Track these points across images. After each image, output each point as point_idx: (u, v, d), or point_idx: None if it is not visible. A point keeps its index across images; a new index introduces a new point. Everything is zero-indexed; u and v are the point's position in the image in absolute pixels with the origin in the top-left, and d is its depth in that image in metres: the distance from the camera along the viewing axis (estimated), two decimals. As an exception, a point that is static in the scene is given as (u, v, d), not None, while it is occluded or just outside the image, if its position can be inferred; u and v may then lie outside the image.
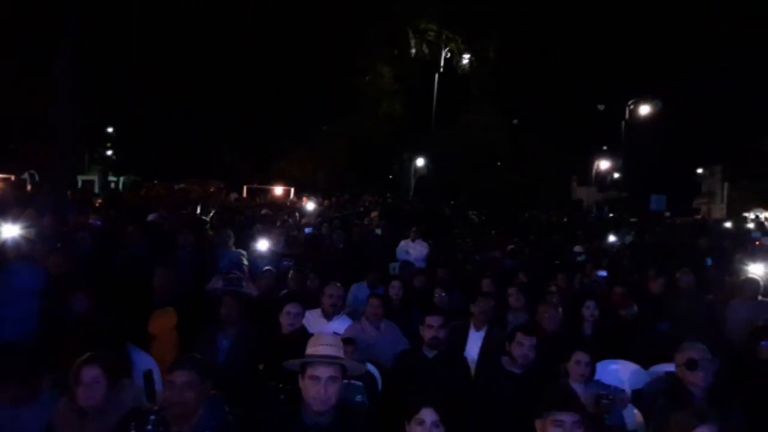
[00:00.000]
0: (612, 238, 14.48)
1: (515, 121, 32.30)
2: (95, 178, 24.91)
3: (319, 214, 15.16)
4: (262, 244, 8.63)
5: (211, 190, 21.38)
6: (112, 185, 24.25)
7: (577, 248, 11.88)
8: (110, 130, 37.53)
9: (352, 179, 29.72)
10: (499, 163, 30.13)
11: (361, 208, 18.17)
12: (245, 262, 8.01)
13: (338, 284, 5.88)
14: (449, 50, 26.25)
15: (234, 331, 4.95)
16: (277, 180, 26.36)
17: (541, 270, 9.76)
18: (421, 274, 7.57)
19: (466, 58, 26.26)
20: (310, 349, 3.09)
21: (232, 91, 28.83)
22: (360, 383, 4.30)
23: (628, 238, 15.31)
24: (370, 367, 4.72)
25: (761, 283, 6.98)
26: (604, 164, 45.29)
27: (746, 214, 29.69)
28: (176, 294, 6.00)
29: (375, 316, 5.32)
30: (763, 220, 25.16)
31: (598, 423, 3.52)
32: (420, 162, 31.67)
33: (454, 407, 3.78)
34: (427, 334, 4.40)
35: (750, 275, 7.10)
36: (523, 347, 4.08)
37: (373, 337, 5.26)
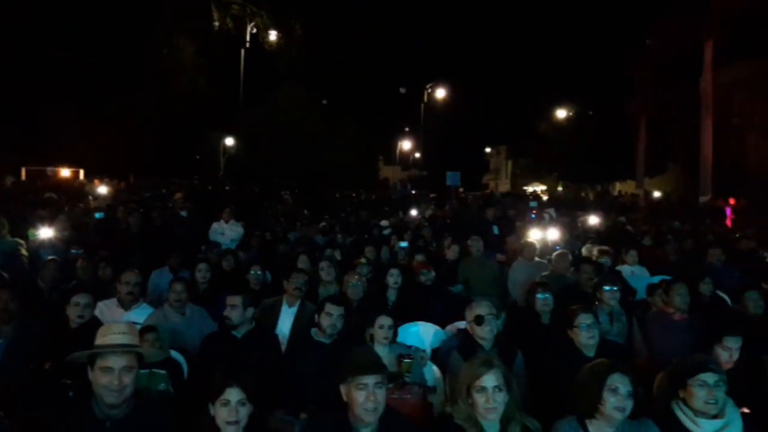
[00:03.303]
0: (414, 212, 15.48)
1: (324, 101, 32.70)
2: None
3: (114, 196, 13.89)
4: (45, 232, 7.71)
5: (-19, 174, 18.39)
6: None
7: (384, 223, 12.49)
8: None
9: (155, 159, 27.62)
10: (309, 142, 30.23)
11: (164, 190, 17.03)
12: (24, 252, 7.06)
13: (135, 271, 5.45)
14: (255, 25, 25.50)
15: (10, 328, 4.36)
16: (63, 161, 23.50)
17: (351, 244, 10.12)
18: (229, 254, 7.32)
19: (273, 34, 25.74)
20: (100, 339, 2.83)
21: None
22: (163, 371, 4.07)
23: (428, 212, 16.48)
24: (175, 353, 4.48)
25: (538, 246, 7.96)
26: (406, 145, 48.04)
27: (526, 188, 33.74)
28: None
29: (178, 301, 5.03)
30: (539, 192, 28.76)
31: (401, 382, 3.73)
32: (229, 141, 30.58)
33: (262, 384, 3.76)
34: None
35: (528, 240, 8.04)
36: (331, 317, 4.17)
37: (177, 323, 4.98)
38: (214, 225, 9.48)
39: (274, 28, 25.88)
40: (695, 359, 2.91)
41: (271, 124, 27.32)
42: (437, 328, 5.31)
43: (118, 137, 25.22)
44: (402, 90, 34.30)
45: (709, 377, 2.79)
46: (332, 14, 25.27)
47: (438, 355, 4.70)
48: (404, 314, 5.47)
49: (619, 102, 28.18)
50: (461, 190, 31.21)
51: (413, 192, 31.14)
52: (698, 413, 2.79)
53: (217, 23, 25.02)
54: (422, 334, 5.23)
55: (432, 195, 27.00)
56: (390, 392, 3.63)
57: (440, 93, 32.40)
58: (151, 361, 3.20)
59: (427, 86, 32.19)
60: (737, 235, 11.24)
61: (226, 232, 9.31)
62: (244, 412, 2.69)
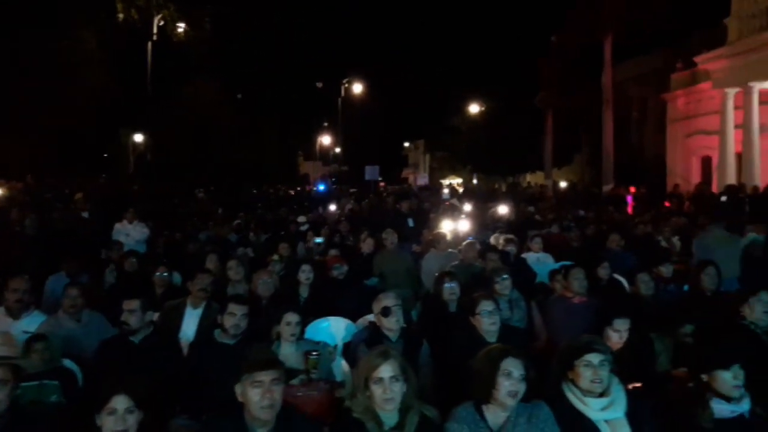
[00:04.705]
0: (333, 207, 15.49)
1: (239, 96, 31.96)
2: None
3: (9, 198, 12.98)
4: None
5: None
6: None
7: (301, 218, 12.42)
8: None
9: (58, 158, 25.94)
10: (224, 139, 29.46)
11: (66, 190, 16.08)
12: None
13: (24, 277, 5.11)
14: (162, 18, 24.41)
15: None
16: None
17: (266, 241, 9.96)
18: (132, 256, 7.00)
19: (181, 27, 24.74)
20: (-30, 352, 2.61)
21: None
22: (55, 382, 3.86)
23: (348, 206, 16.52)
24: (69, 362, 4.24)
25: (449, 236, 8.13)
26: (326, 140, 47.87)
27: (442, 181, 34.55)
28: None
29: (73, 307, 4.77)
30: (455, 185, 29.44)
31: (307, 378, 3.70)
32: (138, 138, 29.27)
33: (163, 389, 3.62)
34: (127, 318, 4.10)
35: (440, 231, 8.20)
36: (234, 317, 4.05)
37: (72, 330, 4.72)
38: (117, 226, 9.06)
39: (183, 21, 24.85)
40: (581, 341, 3.05)
41: (183, 119, 26.38)
42: (348, 322, 5.29)
43: (15, 136, 23.48)
44: (318, 84, 34.10)
45: (594, 357, 2.92)
46: (243, 7, 24.60)
47: (350, 349, 4.70)
48: (317, 310, 5.44)
49: (528, 97, 29.30)
50: (382, 183, 31.54)
51: (334, 187, 31.09)
52: (585, 392, 2.91)
53: (121, 15, 23.74)
54: (333, 329, 5.20)
55: (352, 189, 27.07)
56: (295, 389, 3.61)
57: (357, 88, 32.56)
58: (32, 371, 3.00)
59: (344, 81, 32.20)
60: (636, 221, 11.97)
61: (131, 233, 8.91)
62: (133, 419, 2.57)
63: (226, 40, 26.33)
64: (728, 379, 2.84)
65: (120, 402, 2.55)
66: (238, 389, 2.68)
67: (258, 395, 2.60)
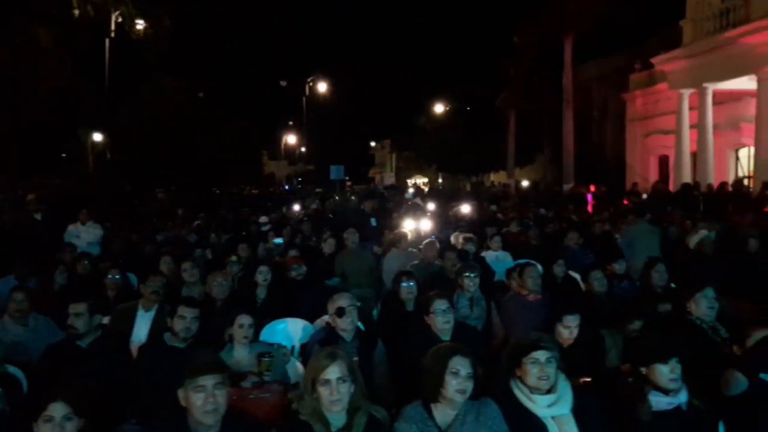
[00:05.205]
0: (296, 207, 15.41)
1: (201, 94, 31.51)
2: None
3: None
4: None
5: None
6: None
7: (263, 219, 12.32)
8: None
9: (13, 159, 25.12)
10: (186, 137, 28.97)
11: (20, 191, 15.62)
12: None
13: (-31, 281, 4.94)
14: (120, 14, 23.85)
15: None
16: None
17: (226, 242, 9.83)
18: (85, 258, 6.83)
19: (140, 24, 24.21)
20: None
21: None
22: (-1, 389, 3.72)
23: (313, 206, 16.43)
24: (13, 369, 4.10)
25: (409, 236, 8.16)
26: (291, 139, 47.61)
27: (408, 180, 34.71)
28: None
29: (19, 312, 4.65)
30: (421, 185, 29.62)
31: (259, 381, 3.66)
32: (98, 137, 28.58)
33: (101, 395, 3.53)
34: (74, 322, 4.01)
35: (401, 230, 8.22)
36: (184, 320, 3.98)
37: (18, 335, 4.62)
38: (70, 227, 8.84)
39: (141, 18, 24.31)
40: (529, 338, 3.09)
41: (143, 117, 25.85)
42: (306, 323, 5.26)
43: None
44: (282, 83, 33.84)
45: (541, 355, 2.95)
46: (204, 5, 24.22)
47: (306, 351, 4.67)
48: (274, 311, 5.39)
49: (491, 97, 29.62)
50: (349, 183, 31.48)
51: (299, 187, 30.90)
52: (533, 389, 2.95)
53: (77, 11, 23.06)
54: (291, 330, 5.17)
55: (318, 189, 26.97)
56: (248, 392, 3.57)
57: (322, 87, 32.47)
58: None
59: (308, 79, 32.04)
60: (594, 219, 12.20)
61: (83, 234, 8.70)
62: (71, 427, 2.49)
63: (188, 37, 25.96)
64: (665, 372, 2.91)
65: (57, 409, 2.48)
66: (180, 394, 2.63)
67: (201, 400, 2.56)
